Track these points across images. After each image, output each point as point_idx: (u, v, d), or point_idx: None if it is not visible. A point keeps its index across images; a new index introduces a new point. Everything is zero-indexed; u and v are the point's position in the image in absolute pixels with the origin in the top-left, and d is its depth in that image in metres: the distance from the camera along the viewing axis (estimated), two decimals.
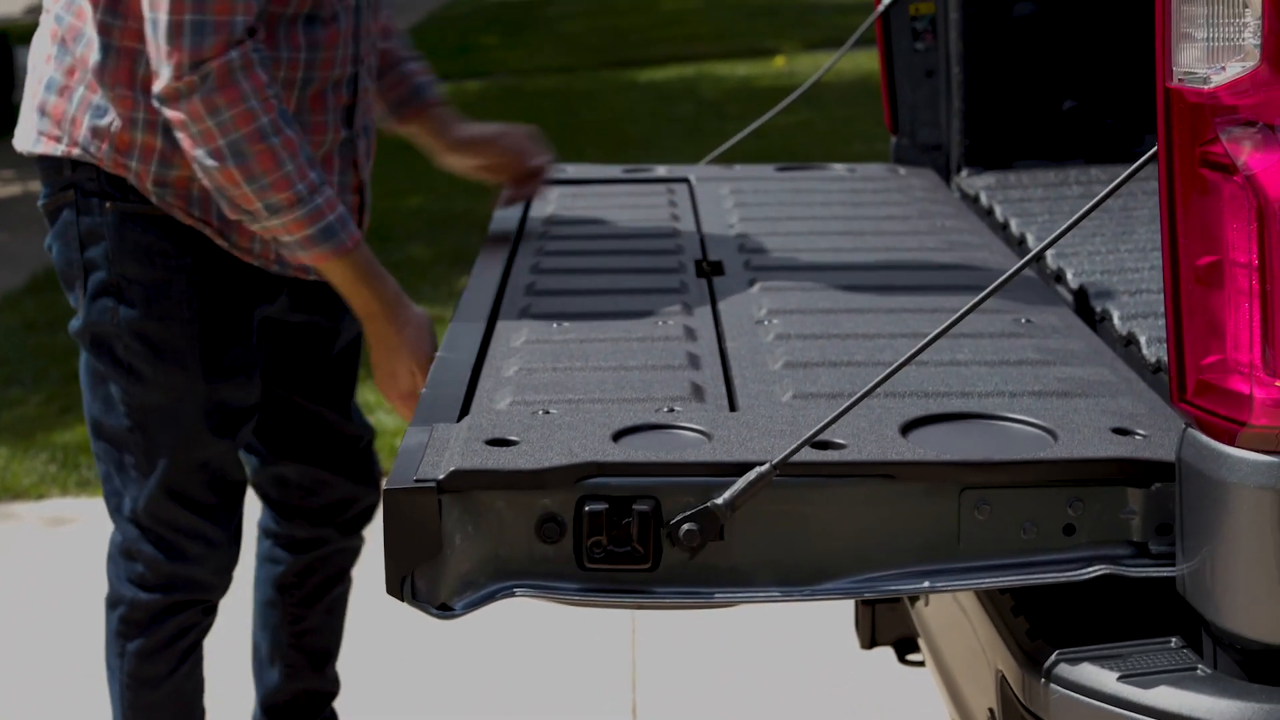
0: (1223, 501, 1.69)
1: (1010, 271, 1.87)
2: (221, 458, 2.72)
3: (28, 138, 2.68)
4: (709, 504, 1.79)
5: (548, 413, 1.98)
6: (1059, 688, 1.79)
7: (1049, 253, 2.58)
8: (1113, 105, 3.35)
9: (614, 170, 3.45)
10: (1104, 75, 3.35)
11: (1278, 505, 1.66)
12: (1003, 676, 1.94)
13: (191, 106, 2.42)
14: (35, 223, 8.50)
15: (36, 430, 5.61)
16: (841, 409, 1.85)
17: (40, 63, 2.66)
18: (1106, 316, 2.32)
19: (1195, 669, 1.76)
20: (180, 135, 2.47)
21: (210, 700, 2.94)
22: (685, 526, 1.79)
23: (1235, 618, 1.71)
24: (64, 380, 6.08)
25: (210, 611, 2.82)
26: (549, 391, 2.07)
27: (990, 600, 2.01)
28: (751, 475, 1.79)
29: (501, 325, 2.38)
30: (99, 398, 2.69)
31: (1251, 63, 1.64)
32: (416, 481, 1.80)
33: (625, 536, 1.80)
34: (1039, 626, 1.88)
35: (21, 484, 5.18)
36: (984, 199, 3.10)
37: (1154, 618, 1.85)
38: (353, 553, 3.10)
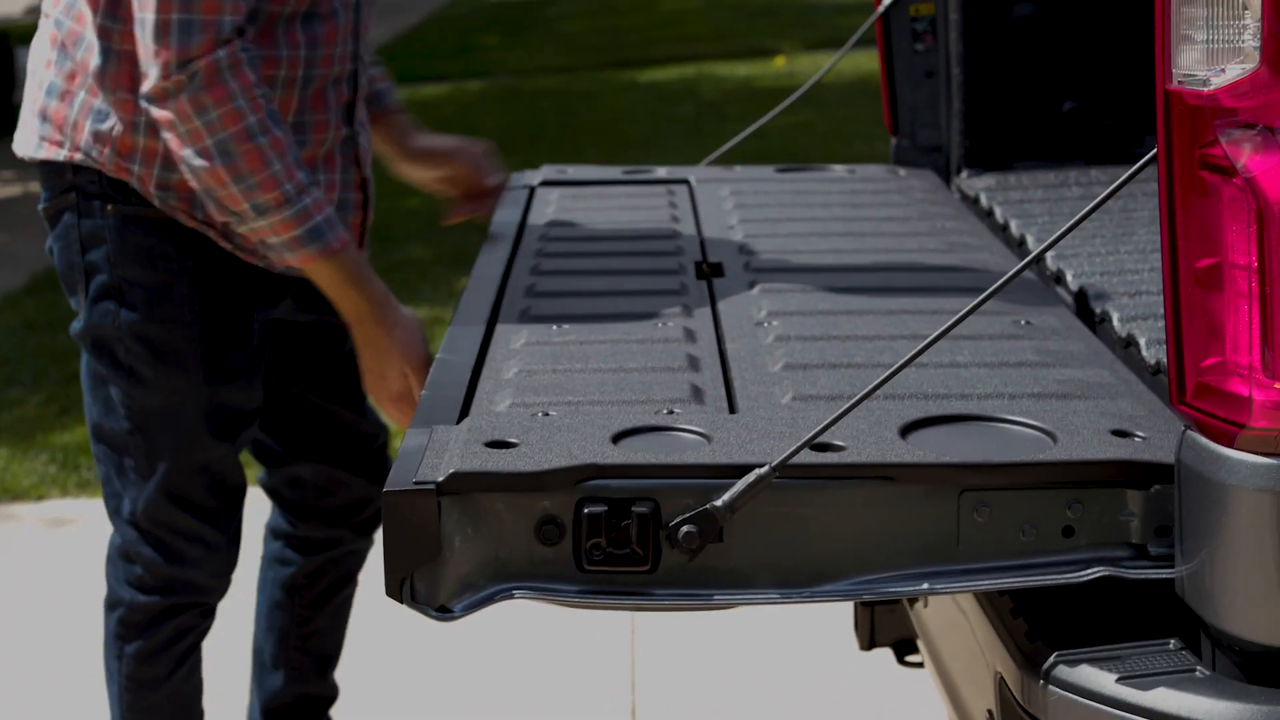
0: (1222, 504, 1.69)
1: (1009, 274, 1.87)
2: (221, 461, 2.72)
3: (29, 143, 2.67)
4: (708, 506, 1.79)
5: (547, 415, 1.98)
6: (1058, 689, 1.79)
7: (1049, 254, 2.58)
8: (1113, 106, 3.35)
9: (614, 172, 3.45)
10: (1104, 76, 3.35)
11: (1277, 507, 1.66)
12: (1001, 678, 1.94)
13: (179, 106, 2.42)
14: (35, 223, 8.50)
15: (36, 431, 5.62)
16: (841, 411, 1.85)
17: (40, 68, 2.65)
18: (1106, 318, 2.32)
19: (1194, 671, 1.76)
20: (168, 135, 2.46)
21: (208, 702, 2.94)
22: (684, 528, 1.79)
23: (1234, 620, 1.71)
24: (64, 381, 6.08)
25: (209, 614, 2.82)
26: (548, 393, 2.07)
27: (989, 602, 2.01)
28: (751, 477, 1.79)
29: (501, 327, 2.38)
30: (99, 400, 2.69)
31: (1251, 65, 1.64)
32: (416, 483, 1.79)
33: (624, 538, 1.80)
34: (1038, 628, 1.88)
35: (21, 485, 5.18)
36: (984, 200, 3.10)
37: (1153, 620, 1.85)
38: (362, 555, 3.10)
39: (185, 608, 2.77)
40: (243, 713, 3.36)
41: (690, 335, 2.32)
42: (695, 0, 17.14)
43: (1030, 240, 2.76)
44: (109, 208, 2.60)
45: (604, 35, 15.40)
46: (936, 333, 1.87)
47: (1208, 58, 1.67)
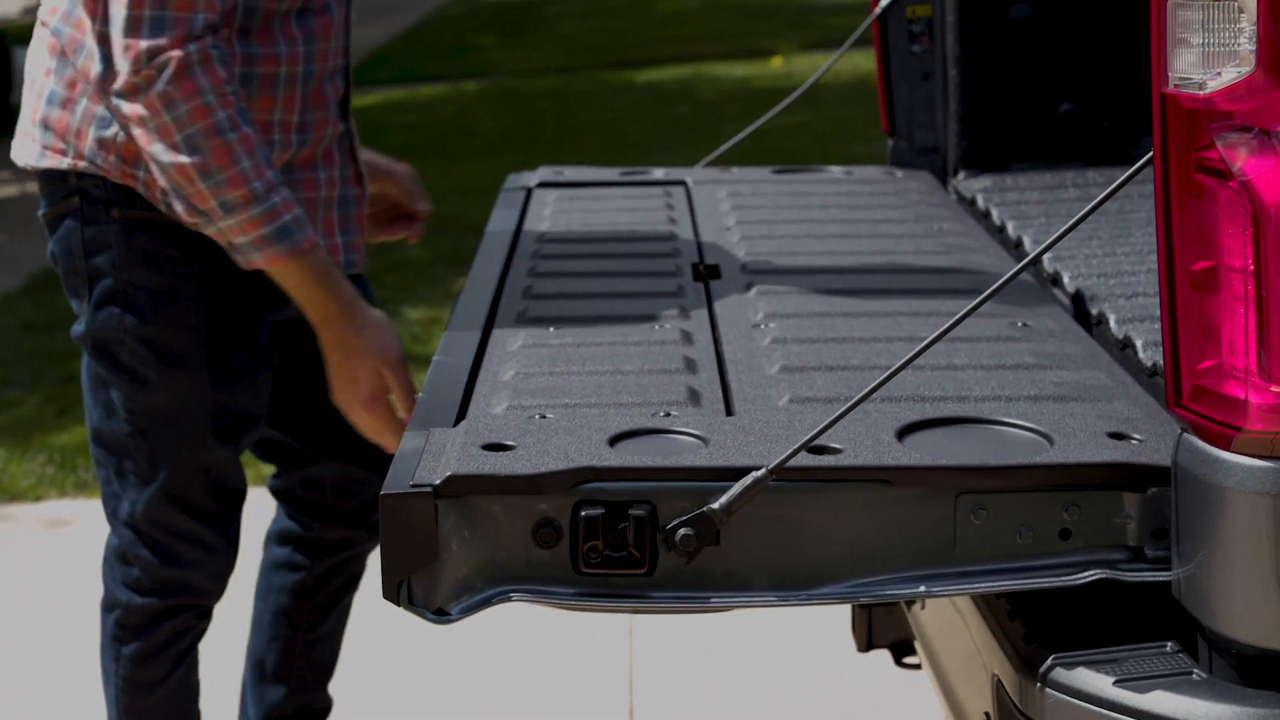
0: (1218, 506, 1.69)
1: (1006, 277, 1.87)
2: (223, 464, 2.72)
3: (30, 152, 2.66)
4: (705, 509, 1.79)
5: (544, 417, 1.98)
6: (1055, 692, 1.79)
7: (1046, 256, 2.58)
8: (1109, 108, 3.35)
9: (610, 173, 3.45)
10: (1101, 78, 3.35)
11: (1273, 510, 1.66)
12: (998, 680, 1.94)
13: (149, 100, 2.41)
14: (33, 224, 8.50)
15: (34, 432, 5.62)
16: (838, 414, 1.85)
17: (39, 76, 2.65)
18: (1103, 320, 2.33)
19: (1191, 674, 1.76)
20: (136, 131, 2.45)
21: (204, 704, 2.94)
22: (681, 531, 1.79)
23: (1231, 622, 1.71)
24: (62, 382, 6.08)
25: (205, 616, 2.82)
26: (545, 396, 2.07)
27: (986, 604, 2.02)
28: (748, 480, 1.79)
29: (498, 329, 2.38)
30: (100, 403, 2.69)
31: (1247, 68, 1.64)
32: (413, 486, 1.80)
33: (621, 541, 1.80)
34: (1035, 631, 1.88)
35: (19, 485, 5.18)
36: (981, 201, 3.10)
37: (1150, 622, 1.85)
38: (366, 558, 3.10)
39: (182, 609, 2.77)
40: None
41: (687, 337, 2.32)
42: (693, 1, 17.14)
43: (1027, 242, 2.76)
44: (114, 212, 2.59)
45: (602, 35, 15.40)
46: (933, 335, 1.87)
47: (1203, 61, 1.67)
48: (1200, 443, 1.71)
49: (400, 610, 1.84)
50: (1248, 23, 1.63)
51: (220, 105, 2.42)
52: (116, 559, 2.76)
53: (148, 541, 2.71)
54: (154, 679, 2.79)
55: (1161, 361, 1.81)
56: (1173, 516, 1.76)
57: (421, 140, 10.71)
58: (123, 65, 2.41)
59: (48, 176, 2.65)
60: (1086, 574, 1.82)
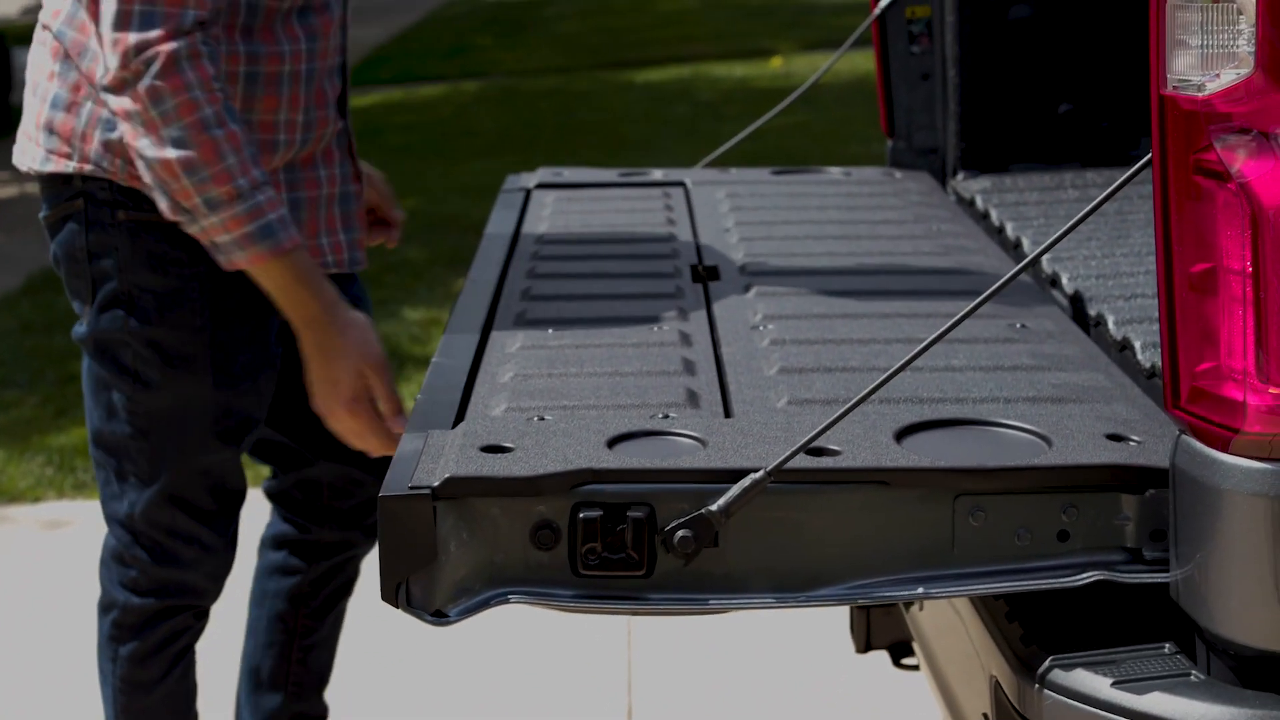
0: (1216, 508, 1.69)
1: (1004, 279, 1.87)
2: (224, 465, 2.71)
3: (34, 157, 2.65)
4: (704, 510, 1.79)
5: (543, 419, 1.98)
6: (1053, 693, 1.80)
7: (1044, 257, 2.59)
8: (1108, 109, 3.36)
9: (609, 174, 3.45)
10: (1100, 79, 3.35)
11: (1271, 512, 1.66)
12: (997, 682, 1.94)
13: (135, 94, 2.39)
14: (32, 224, 8.50)
15: (33, 433, 5.61)
16: (836, 416, 1.85)
17: (42, 80, 2.63)
18: (1101, 321, 2.33)
19: (1189, 675, 1.76)
20: (124, 126, 2.44)
21: (200, 704, 2.94)
22: (680, 533, 1.79)
23: (1229, 624, 1.71)
24: (60, 382, 6.08)
25: (202, 616, 2.82)
26: (544, 398, 2.07)
27: (984, 605, 2.02)
28: (746, 482, 1.79)
29: (496, 331, 2.38)
30: (101, 404, 2.68)
31: (1246, 70, 1.64)
32: (411, 488, 1.80)
33: (620, 543, 1.80)
34: (1033, 632, 1.88)
35: (18, 486, 5.18)
36: (980, 202, 3.10)
37: (1148, 624, 1.85)
38: (360, 561, 3.09)
39: (179, 610, 2.77)
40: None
41: (686, 339, 2.32)
42: (692, 1, 17.14)
43: (1026, 243, 2.76)
44: (119, 215, 2.58)
45: (601, 36, 15.40)
46: (932, 337, 1.87)
47: (1202, 63, 1.67)
48: (1198, 444, 1.71)
49: (399, 610, 1.84)
50: (1246, 24, 1.63)
51: (207, 101, 2.40)
52: (113, 559, 2.76)
53: (145, 542, 2.71)
54: (151, 679, 2.79)
55: (1160, 363, 1.82)
56: (1171, 518, 1.76)
57: (421, 140, 10.71)
58: (111, 60, 2.40)
59: (51, 180, 2.64)
60: (1085, 575, 1.83)
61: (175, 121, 2.40)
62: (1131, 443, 1.88)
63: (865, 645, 3.12)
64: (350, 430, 2.57)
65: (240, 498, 2.78)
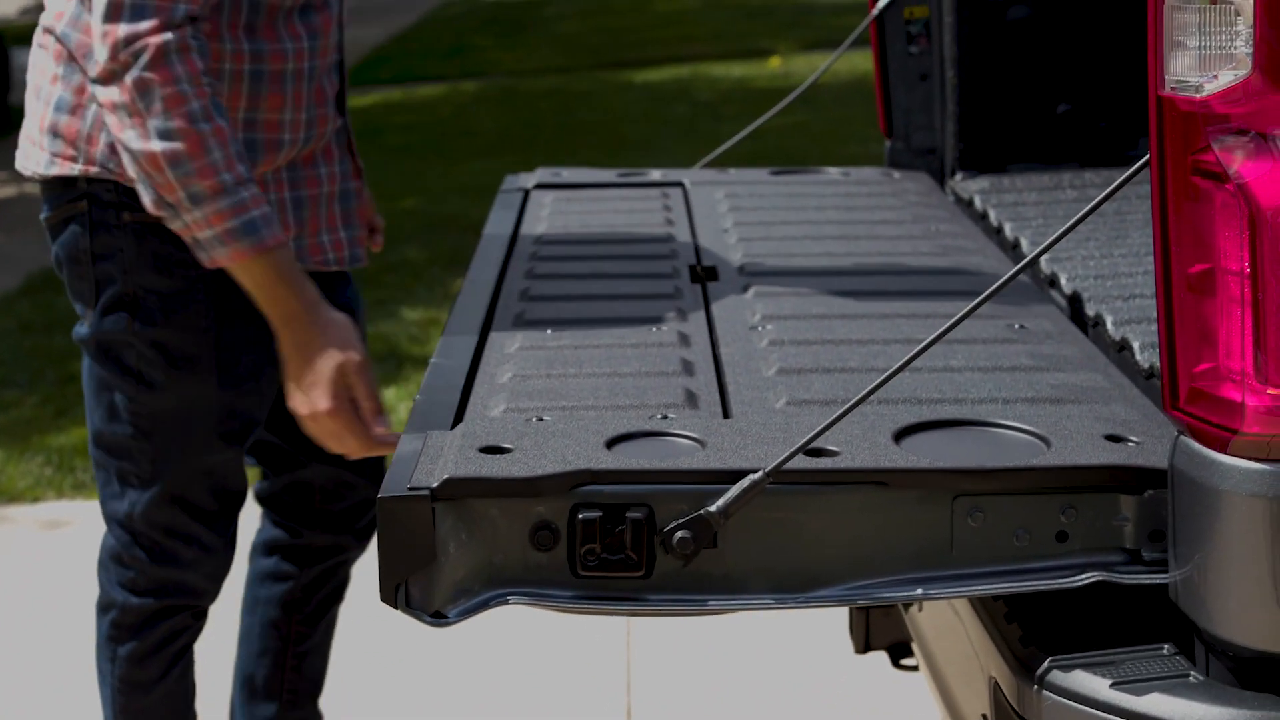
0: (1215, 509, 1.69)
1: (1002, 280, 1.87)
2: (226, 465, 2.71)
3: (38, 160, 2.64)
4: (702, 511, 1.79)
5: (541, 420, 1.98)
6: (1052, 694, 1.80)
7: (1043, 257, 2.59)
8: (1107, 109, 3.36)
9: (608, 174, 3.45)
10: (1098, 79, 3.35)
11: (1270, 513, 1.66)
12: (996, 683, 1.94)
13: (123, 85, 2.38)
14: (31, 224, 8.50)
15: (32, 433, 5.61)
16: (834, 416, 1.85)
17: (46, 84, 2.62)
18: (1100, 322, 2.33)
19: (1188, 676, 1.76)
20: (109, 118, 2.43)
21: (199, 706, 2.94)
22: (679, 534, 1.79)
23: (1227, 625, 1.71)
24: (59, 383, 6.08)
25: (201, 616, 2.82)
26: (543, 398, 2.07)
27: (983, 606, 2.02)
28: (745, 483, 1.79)
29: (495, 331, 2.38)
30: (102, 404, 2.68)
31: (1244, 71, 1.64)
32: (410, 489, 1.80)
33: (619, 544, 1.80)
34: (1032, 633, 1.88)
35: (17, 486, 5.18)
36: (978, 203, 3.11)
37: (1146, 625, 1.85)
38: (351, 566, 3.09)
39: (178, 610, 2.77)
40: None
41: (684, 340, 2.32)
42: (691, 1, 17.15)
43: (1024, 243, 2.77)
44: (125, 216, 2.57)
45: (600, 36, 15.40)
46: (930, 338, 1.87)
47: (1200, 64, 1.67)
48: (1197, 445, 1.71)
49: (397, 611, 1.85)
50: (1244, 25, 1.63)
51: (195, 95, 2.39)
52: (112, 560, 2.76)
53: (144, 542, 2.71)
54: (150, 679, 2.79)
55: (1158, 363, 1.81)
56: (1169, 519, 1.76)
57: (420, 140, 10.71)
58: (101, 51, 2.39)
59: (54, 183, 2.63)
60: (1083, 576, 1.83)
61: (161, 114, 2.38)
62: (1130, 443, 1.88)
63: (864, 646, 3.12)
64: (328, 431, 2.50)
65: (241, 498, 2.78)
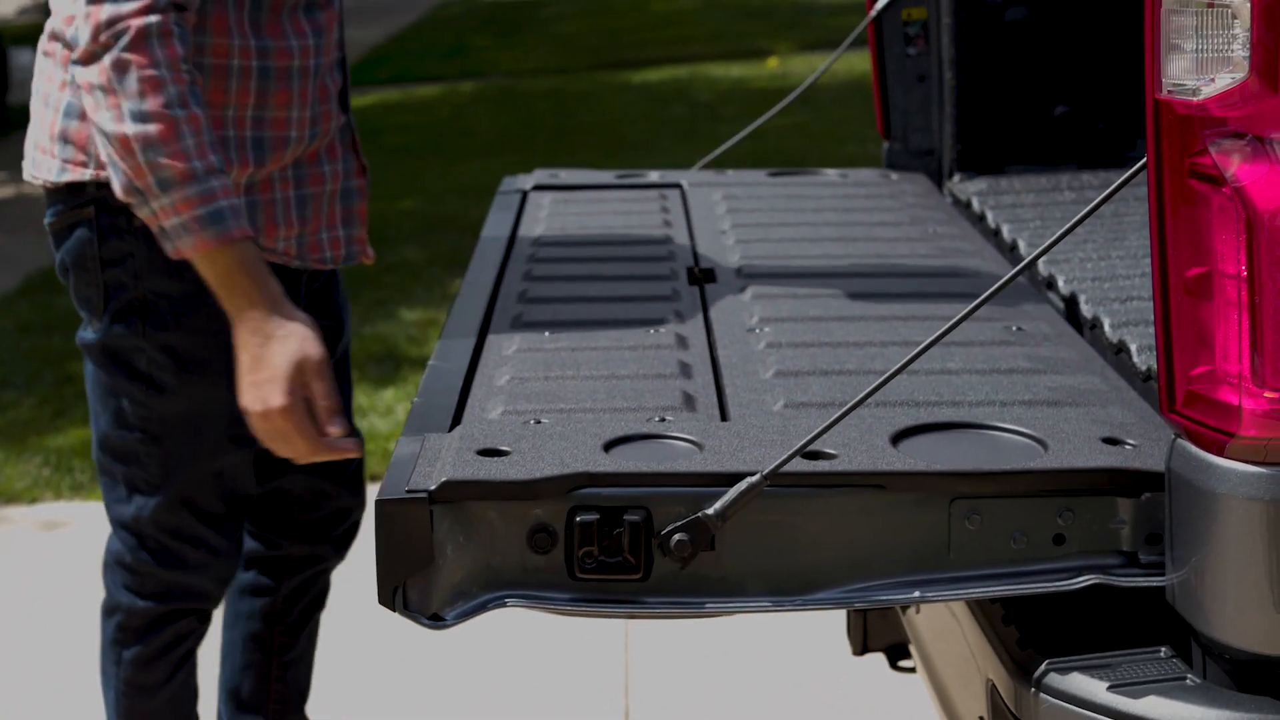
0: (1212, 512, 1.69)
1: (999, 283, 1.87)
2: (235, 468, 2.70)
3: (49, 168, 2.62)
4: (700, 514, 1.79)
5: (539, 422, 1.98)
6: (1049, 697, 1.80)
7: (1041, 259, 2.59)
8: (1104, 111, 3.36)
9: (606, 176, 3.46)
10: (1096, 81, 3.35)
11: (1266, 516, 1.66)
12: (993, 685, 1.95)
13: (101, 66, 2.37)
14: (30, 225, 8.50)
15: (30, 434, 5.61)
16: (832, 419, 1.85)
17: (54, 90, 2.61)
18: (1097, 324, 2.33)
19: (1185, 679, 1.77)
20: (86, 100, 2.41)
21: (200, 708, 2.94)
22: (676, 537, 1.79)
23: (1224, 628, 1.71)
24: (58, 383, 6.08)
25: (205, 619, 2.81)
26: (540, 401, 2.08)
27: (981, 609, 2.02)
28: (742, 486, 1.79)
29: (493, 334, 2.39)
30: (109, 409, 2.66)
31: (1240, 74, 1.64)
32: (408, 492, 1.80)
33: (616, 547, 1.81)
34: (1029, 635, 1.88)
35: (15, 487, 5.18)
36: (976, 204, 3.11)
37: (1143, 627, 1.85)
38: (330, 574, 3.08)
39: (184, 614, 2.76)
40: None
41: (682, 342, 2.32)
42: (690, 1, 17.15)
43: (1022, 245, 2.77)
44: (136, 221, 2.56)
45: (599, 36, 15.40)
46: (927, 340, 1.88)
47: (1197, 67, 1.67)
48: (1194, 448, 1.72)
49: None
50: (1241, 29, 1.63)
51: (173, 80, 2.37)
52: (117, 563, 2.75)
53: (151, 545, 2.71)
54: (155, 682, 2.78)
55: (1156, 366, 1.82)
56: (1166, 522, 1.77)
57: (419, 141, 10.71)
58: (83, 32, 2.37)
59: (62, 188, 2.62)
60: (1080, 579, 1.83)
61: (137, 97, 2.36)
62: (1127, 446, 1.88)
63: (862, 647, 3.13)
64: (277, 431, 2.40)
65: (248, 503, 2.77)
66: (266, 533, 2.98)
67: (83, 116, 2.57)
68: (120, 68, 2.35)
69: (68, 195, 2.61)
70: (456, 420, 2.04)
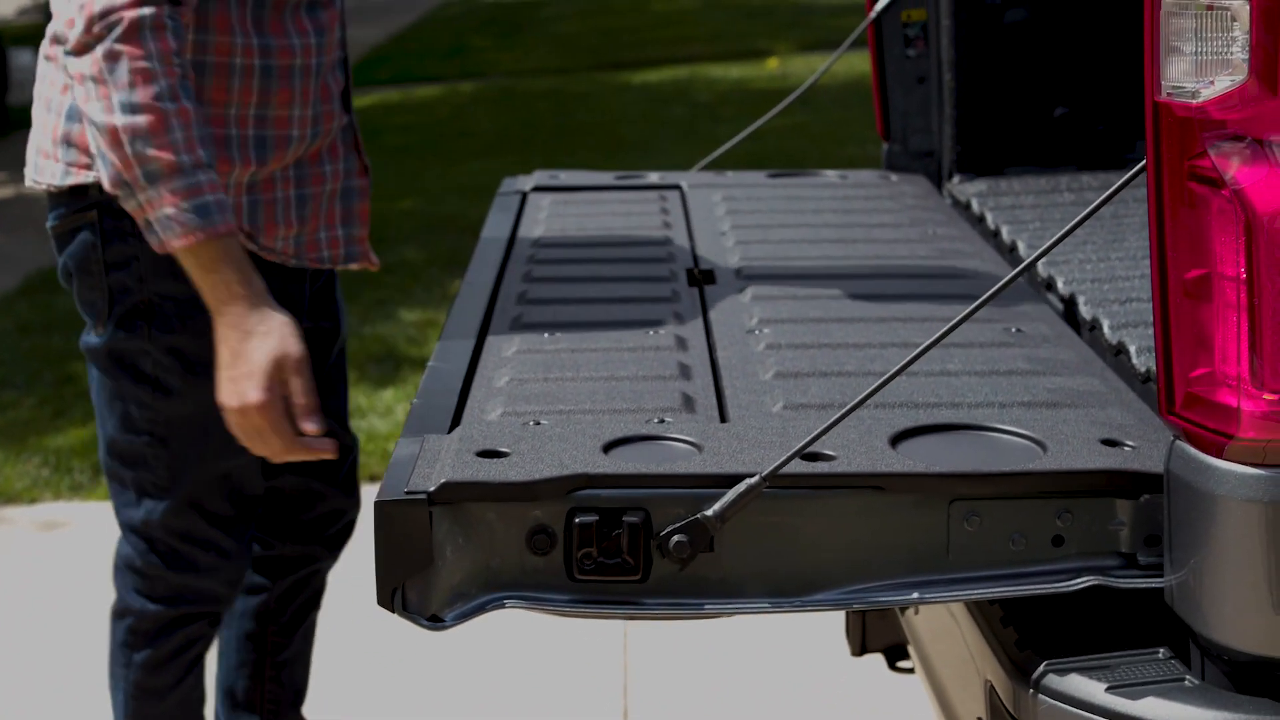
0: (1210, 514, 1.69)
1: (999, 285, 1.87)
2: (243, 470, 2.70)
3: (53, 172, 2.61)
4: (699, 515, 1.80)
5: (538, 424, 1.98)
6: (1047, 698, 1.80)
7: (1040, 261, 2.59)
8: (1104, 112, 3.36)
9: (605, 177, 3.46)
10: (1095, 82, 3.36)
11: (1265, 518, 1.67)
12: (991, 686, 1.95)
13: (94, 57, 2.36)
14: (29, 224, 8.49)
15: (29, 434, 5.61)
16: (831, 421, 1.85)
17: (56, 94, 2.60)
18: (1097, 325, 2.33)
19: (1183, 680, 1.77)
20: (78, 90, 2.40)
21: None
22: (675, 538, 1.80)
23: (1223, 629, 1.71)
24: (57, 384, 6.08)
25: (216, 623, 2.80)
26: (540, 402, 2.08)
27: (980, 610, 2.02)
28: (741, 487, 1.79)
29: (493, 335, 2.39)
30: (116, 414, 2.66)
31: (1240, 77, 1.64)
32: (408, 493, 1.80)
33: (615, 548, 1.81)
34: (1028, 637, 1.88)
35: (14, 488, 5.18)
36: (975, 206, 3.11)
37: (1142, 629, 1.85)
38: (326, 574, 3.08)
39: (195, 617, 2.76)
40: None
41: (682, 343, 2.32)
42: (690, 1, 17.15)
43: (1021, 247, 2.77)
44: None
45: (598, 36, 15.41)
46: (927, 342, 1.88)
47: (1197, 69, 1.67)
48: (1193, 450, 1.72)
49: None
50: (1240, 31, 1.64)
51: (164, 73, 2.36)
52: (127, 567, 2.74)
53: (161, 548, 2.70)
54: (165, 686, 2.78)
55: (1155, 368, 1.82)
56: (1165, 523, 1.77)
57: (419, 141, 10.71)
58: (78, 24, 2.37)
59: (65, 191, 2.61)
60: (1079, 580, 1.83)
61: (127, 88, 2.35)
62: (1126, 448, 1.89)
63: (861, 648, 3.13)
64: (252, 427, 2.38)
65: (257, 503, 2.77)
66: (260, 532, 2.98)
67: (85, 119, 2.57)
68: (112, 58, 2.35)
69: (71, 199, 2.61)
70: (456, 421, 2.04)
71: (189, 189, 2.37)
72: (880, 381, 1.86)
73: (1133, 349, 2.19)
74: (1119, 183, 1.81)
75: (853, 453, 1.87)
